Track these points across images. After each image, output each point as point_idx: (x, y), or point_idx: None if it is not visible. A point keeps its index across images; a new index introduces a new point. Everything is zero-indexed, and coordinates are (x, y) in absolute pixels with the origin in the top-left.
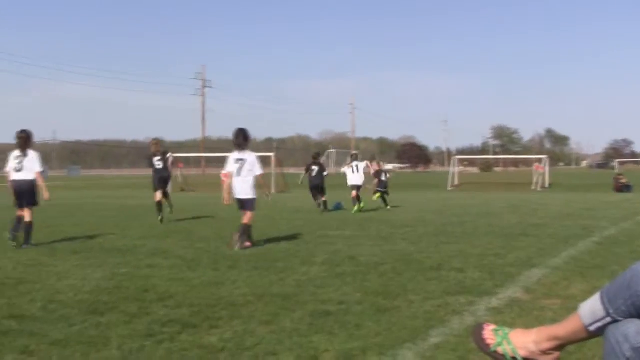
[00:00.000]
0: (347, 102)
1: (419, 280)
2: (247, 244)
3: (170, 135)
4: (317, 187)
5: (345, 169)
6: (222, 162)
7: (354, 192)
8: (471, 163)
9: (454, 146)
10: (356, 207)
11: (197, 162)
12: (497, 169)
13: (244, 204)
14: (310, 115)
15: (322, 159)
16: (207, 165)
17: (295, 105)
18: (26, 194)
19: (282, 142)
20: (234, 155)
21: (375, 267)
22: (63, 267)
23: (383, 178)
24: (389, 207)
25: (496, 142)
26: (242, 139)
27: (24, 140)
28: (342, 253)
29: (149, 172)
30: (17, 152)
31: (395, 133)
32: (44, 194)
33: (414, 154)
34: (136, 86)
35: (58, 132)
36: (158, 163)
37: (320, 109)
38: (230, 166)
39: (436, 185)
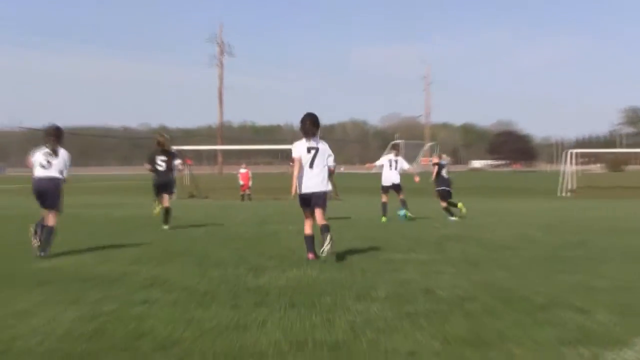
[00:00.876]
0: (420, 76)
1: (523, 324)
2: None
3: (176, 120)
4: None
5: (383, 161)
6: (244, 156)
7: (384, 197)
8: (593, 159)
9: (568, 136)
10: (384, 218)
11: (211, 156)
12: (631, 167)
13: (316, 199)
14: (369, 94)
15: (386, 152)
16: (226, 162)
17: (348, 80)
18: (49, 194)
19: (330, 130)
20: (302, 143)
21: (459, 305)
22: (24, 304)
23: (444, 174)
24: (455, 218)
25: (629, 130)
26: (309, 125)
27: (56, 138)
28: (413, 284)
29: (145, 171)
30: (45, 150)
31: (486, 118)
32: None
33: (512, 146)
34: (129, 55)
35: (22, 117)
36: (161, 163)
37: (382, 86)
38: (300, 154)
39: (544, 190)
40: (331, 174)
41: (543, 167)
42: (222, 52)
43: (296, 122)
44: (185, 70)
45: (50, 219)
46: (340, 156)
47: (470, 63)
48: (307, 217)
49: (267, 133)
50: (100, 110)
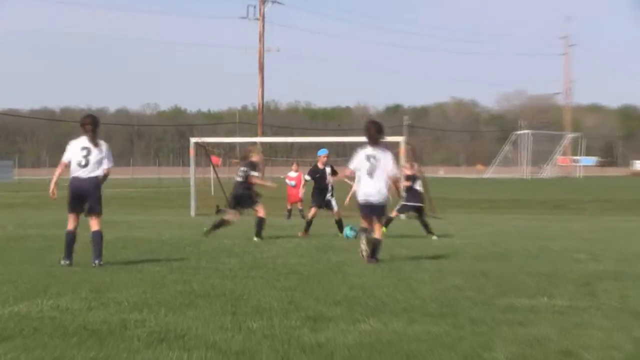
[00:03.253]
0: (555, 37)
1: None
2: (373, 260)
3: (195, 100)
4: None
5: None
6: (296, 153)
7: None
8: None
9: None
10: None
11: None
12: None
13: (374, 209)
14: (478, 62)
15: (506, 147)
16: (269, 161)
17: (448, 41)
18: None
19: (420, 113)
20: (364, 151)
21: None
22: None
23: (417, 187)
24: (435, 237)
25: None
26: (375, 133)
27: (93, 128)
28: (547, 343)
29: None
30: (84, 142)
31: None
32: None
33: None
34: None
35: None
36: (240, 174)
37: (497, 49)
38: (359, 162)
39: None
40: (396, 182)
41: None
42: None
43: (372, 102)
44: (207, 26)
45: (95, 225)
46: (439, 153)
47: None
48: (366, 223)
49: (329, 118)
50: (80, 86)
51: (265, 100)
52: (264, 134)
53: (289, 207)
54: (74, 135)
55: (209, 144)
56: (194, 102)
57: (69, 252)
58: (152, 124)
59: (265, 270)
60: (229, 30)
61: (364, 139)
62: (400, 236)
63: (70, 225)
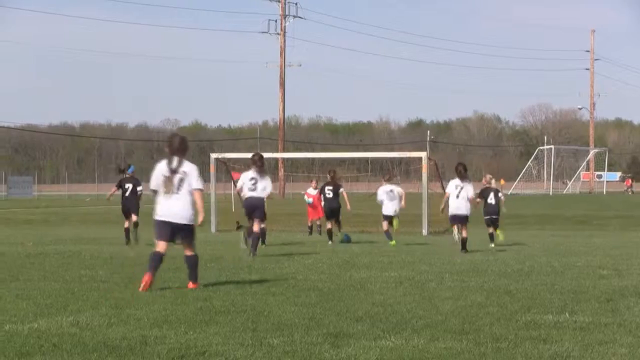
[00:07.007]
0: (579, 49)
1: None
2: (463, 251)
3: (215, 115)
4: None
5: (380, 192)
6: (316, 169)
7: (385, 224)
8: None
9: None
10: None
11: (268, 169)
12: None
13: (461, 219)
14: (500, 76)
15: (532, 163)
16: (290, 177)
17: (470, 54)
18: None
19: (443, 128)
20: (453, 182)
21: None
22: None
23: (491, 201)
24: (492, 245)
25: None
26: (462, 171)
27: (262, 163)
28: None
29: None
30: (252, 174)
31: None
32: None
33: None
34: (136, 15)
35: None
36: (328, 192)
37: (520, 64)
38: (450, 189)
39: None
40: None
41: None
42: (284, 14)
43: (394, 118)
44: (227, 40)
45: (256, 226)
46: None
47: None
48: (455, 227)
49: (350, 134)
50: (100, 102)
51: (286, 116)
52: (285, 150)
53: (309, 224)
54: (94, 151)
55: (229, 159)
56: (215, 118)
57: None
58: None
59: (285, 286)
60: (250, 45)
61: (387, 155)
62: (424, 253)
63: None
